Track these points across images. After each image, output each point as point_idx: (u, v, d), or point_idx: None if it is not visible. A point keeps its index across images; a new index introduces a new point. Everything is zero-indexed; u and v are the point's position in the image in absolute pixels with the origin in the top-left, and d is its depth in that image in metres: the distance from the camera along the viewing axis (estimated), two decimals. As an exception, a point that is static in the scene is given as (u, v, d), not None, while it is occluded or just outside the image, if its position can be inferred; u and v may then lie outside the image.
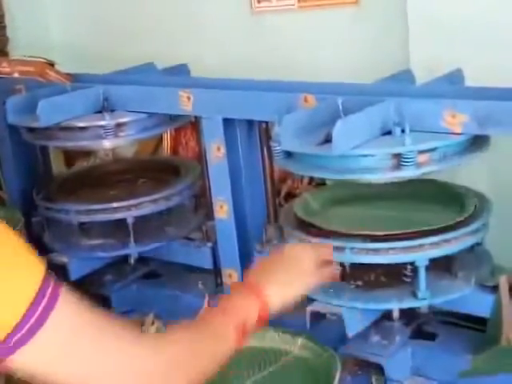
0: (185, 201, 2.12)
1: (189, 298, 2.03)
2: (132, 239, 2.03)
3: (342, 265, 1.64)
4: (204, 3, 2.61)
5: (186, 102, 1.82)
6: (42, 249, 1.95)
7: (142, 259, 2.13)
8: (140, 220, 2.04)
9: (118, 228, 2.06)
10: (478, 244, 1.65)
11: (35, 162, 2.29)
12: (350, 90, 1.65)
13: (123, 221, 2.01)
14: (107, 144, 1.95)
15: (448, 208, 1.69)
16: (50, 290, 0.94)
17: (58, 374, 0.97)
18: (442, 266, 1.62)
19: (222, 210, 1.86)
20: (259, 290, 1.24)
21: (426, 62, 1.95)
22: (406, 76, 1.79)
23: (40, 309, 0.93)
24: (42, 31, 2.96)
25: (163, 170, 2.25)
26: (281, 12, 2.45)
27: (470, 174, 1.85)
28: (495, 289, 1.56)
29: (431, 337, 1.70)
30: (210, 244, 2.02)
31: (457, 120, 1.43)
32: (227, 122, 1.80)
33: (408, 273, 1.61)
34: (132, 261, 2.09)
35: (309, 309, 1.61)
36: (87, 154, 2.73)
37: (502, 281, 1.53)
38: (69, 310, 0.97)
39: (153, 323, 1.86)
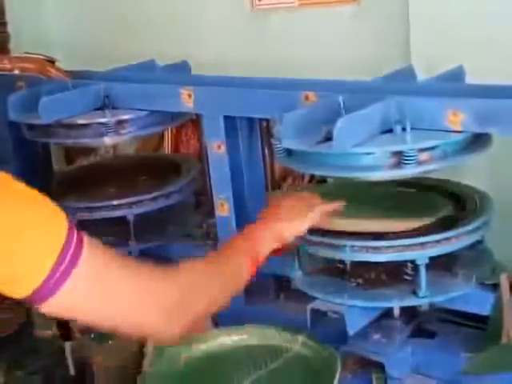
0: (185, 198, 2.12)
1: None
2: (132, 237, 2.03)
3: (342, 263, 1.64)
4: (205, 0, 2.61)
5: (187, 100, 1.82)
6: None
7: (142, 257, 2.13)
8: (141, 217, 2.04)
9: (118, 225, 2.05)
10: (479, 242, 1.65)
11: (36, 159, 2.29)
12: (351, 88, 1.64)
13: (124, 218, 2.01)
14: (108, 141, 1.95)
15: (448, 206, 1.69)
16: (75, 233, 1.06)
17: (89, 311, 1.08)
18: (443, 264, 1.62)
19: (223, 208, 1.86)
20: (273, 223, 1.46)
21: (427, 61, 1.94)
22: (407, 72, 1.78)
23: (71, 250, 1.03)
24: (43, 28, 2.96)
25: (164, 168, 2.25)
26: (282, 9, 2.45)
27: (471, 172, 1.85)
28: (496, 287, 1.55)
29: (432, 335, 1.70)
30: (210, 242, 2.02)
31: (458, 118, 1.43)
32: (228, 120, 1.80)
33: (408, 271, 1.61)
34: (132, 258, 2.09)
35: (309, 307, 1.61)
36: (88, 151, 2.72)
37: (503, 279, 1.53)
38: (94, 249, 1.07)
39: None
